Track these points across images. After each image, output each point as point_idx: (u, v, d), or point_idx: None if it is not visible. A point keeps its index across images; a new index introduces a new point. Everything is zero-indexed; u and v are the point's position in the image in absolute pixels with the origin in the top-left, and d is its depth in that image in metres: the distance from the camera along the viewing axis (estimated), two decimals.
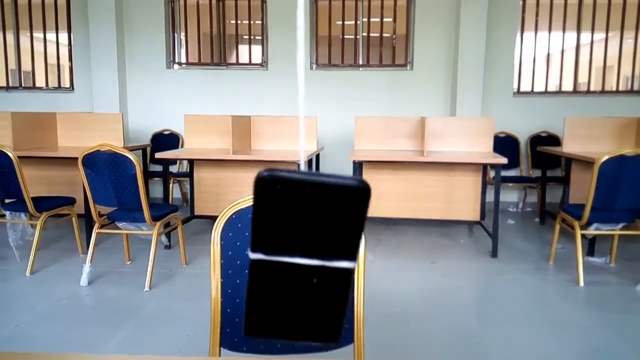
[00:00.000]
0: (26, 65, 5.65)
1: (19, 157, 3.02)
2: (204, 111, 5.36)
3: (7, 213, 3.24)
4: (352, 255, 0.39)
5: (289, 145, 4.16)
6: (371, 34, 5.32)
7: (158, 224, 2.90)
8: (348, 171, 4.34)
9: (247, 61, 5.47)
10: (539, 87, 5.32)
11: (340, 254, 0.39)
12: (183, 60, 5.57)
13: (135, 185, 2.73)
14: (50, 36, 5.57)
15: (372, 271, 3.14)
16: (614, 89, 5.26)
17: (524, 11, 5.21)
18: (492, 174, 4.51)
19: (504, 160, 3.40)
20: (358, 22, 5.30)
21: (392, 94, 5.28)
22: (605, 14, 5.14)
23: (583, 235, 3.06)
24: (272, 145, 4.18)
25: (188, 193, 4.59)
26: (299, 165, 3.51)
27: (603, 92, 5.24)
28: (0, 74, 5.67)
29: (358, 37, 5.33)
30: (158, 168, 5.03)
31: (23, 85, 5.66)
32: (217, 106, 5.41)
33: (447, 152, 3.88)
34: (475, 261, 3.41)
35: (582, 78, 5.26)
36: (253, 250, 0.38)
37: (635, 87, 5.22)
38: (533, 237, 4.06)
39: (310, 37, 5.31)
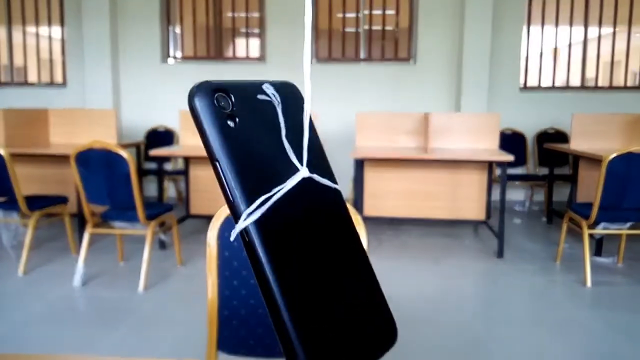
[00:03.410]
0: (18, 60, 5.56)
1: (10, 154, 2.96)
2: None
3: None
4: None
5: None
6: (373, 27, 5.25)
7: (152, 223, 2.85)
8: (348, 169, 4.26)
9: (244, 55, 5.39)
10: (546, 82, 5.26)
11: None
12: (178, 54, 5.49)
13: (129, 183, 2.68)
14: (43, 30, 5.48)
15: (375, 272, 3.08)
16: (622, 84, 5.20)
17: (530, 4, 5.14)
18: (498, 171, 4.43)
19: (510, 157, 3.36)
20: (359, 14, 5.23)
21: (395, 89, 5.21)
22: (612, 8, 5.07)
23: (591, 235, 3.02)
24: None
25: (183, 191, 4.51)
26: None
27: (611, 87, 5.18)
28: None
29: (359, 30, 5.25)
30: (153, 166, 4.95)
31: (15, 80, 5.57)
32: None
33: (452, 149, 3.82)
34: (480, 262, 3.36)
35: (590, 73, 5.19)
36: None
37: None
38: (540, 237, 4.01)
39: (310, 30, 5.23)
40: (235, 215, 0.30)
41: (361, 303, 0.33)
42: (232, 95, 0.31)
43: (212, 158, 0.30)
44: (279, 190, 0.31)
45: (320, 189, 0.33)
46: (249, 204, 0.29)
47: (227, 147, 0.30)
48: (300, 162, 0.32)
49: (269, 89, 0.33)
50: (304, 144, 0.32)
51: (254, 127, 0.32)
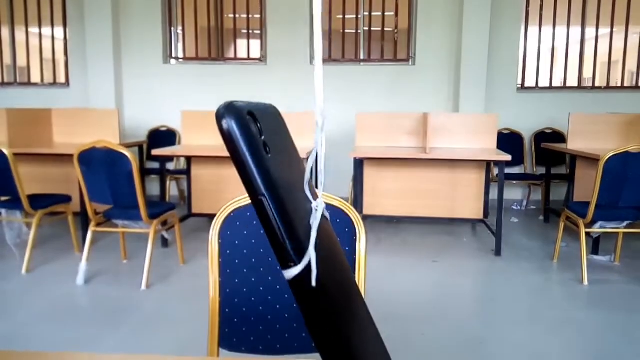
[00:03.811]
0: (21, 61, 5.58)
1: (14, 154, 2.97)
2: (202, 107, 5.30)
3: (3, 211, 3.21)
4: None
5: None
6: (372, 28, 5.26)
7: (155, 222, 2.86)
8: (348, 168, 4.29)
9: (245, 56, 5.41)
10: (544, 82, 5.26)
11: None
12: (180, 55, 5.50)
13: (132, 182, 2.69)
14: (46, 31, 5.50)
15: (373, 270, 3.10)
16: (619, 84, 5.20)
17: (528, 5, 5.14)
18: (495, 171, 4.46)
19: (507, 157, 3.36)
20: (359, 16, 5.24)
21: (394, 90, 5.23)
22: (610, 8, 5.07)
23: (587, 234, 3.02)
24: None
25: (185, 191, 4.54)
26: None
27: (608, 87, 5.18)
28: None
29: (359, 31, 5.26)
30: (155, 165, 4.98)
31: (18, 80, 5.60)
32: (215, 102, 5.34)
33: (450, 149, 3.84)
34: (478, 260, 3.37)
35: (587, 73, 5.20)
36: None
37: None
38: (537, 236, 4.02)
39: (310, 31, 5.24)
40: (285, 256, 0.26)
41: (369, 329, 0.33)
42: (259, 121, 0.27)
43: (255, 192, 0.26)
44: (314, 225, 0.28)
45: (323, 219, 0.30)
46: (297, 244, 0.26)
47: (272, 181, 0.26)
48: (314, 195, 0.29)
49: (322, 119, 0.28)
50: (319, 175, 0.29)
51: (280, 155, 0.28)
